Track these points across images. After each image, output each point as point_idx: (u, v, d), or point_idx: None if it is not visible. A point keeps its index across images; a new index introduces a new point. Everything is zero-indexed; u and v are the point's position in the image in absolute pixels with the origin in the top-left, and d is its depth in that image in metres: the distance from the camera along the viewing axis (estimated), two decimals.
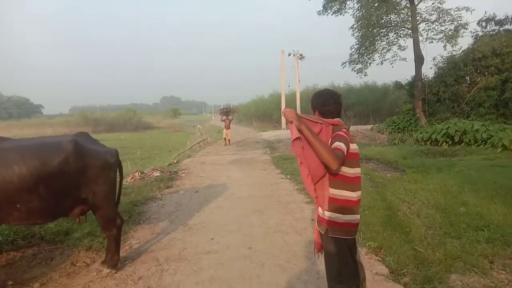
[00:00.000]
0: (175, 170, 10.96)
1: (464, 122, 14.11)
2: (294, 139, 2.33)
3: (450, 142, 13.66)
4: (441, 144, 13.85)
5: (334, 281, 2.44)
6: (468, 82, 19.26)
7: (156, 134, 41.27)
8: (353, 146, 2.38)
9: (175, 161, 13.31)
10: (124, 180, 9.03)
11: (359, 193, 2.44)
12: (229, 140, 19.04)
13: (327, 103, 2.50)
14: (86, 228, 5.11)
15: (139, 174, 9.45)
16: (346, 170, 2.36)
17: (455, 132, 13.53)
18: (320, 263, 3.89)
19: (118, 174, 4.26)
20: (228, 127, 19.08)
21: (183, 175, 10.22)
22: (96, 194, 3.73)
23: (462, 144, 13.20)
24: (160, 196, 7.52)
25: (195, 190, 8.06)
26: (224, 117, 19.58)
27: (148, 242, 4.86)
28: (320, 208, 2.49)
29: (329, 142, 2.33)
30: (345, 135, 2.33)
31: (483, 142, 12.60)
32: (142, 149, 19.73)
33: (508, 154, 10.70)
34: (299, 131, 2.24)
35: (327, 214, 2.41)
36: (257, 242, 4.67)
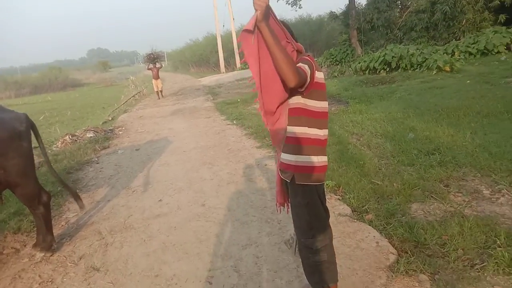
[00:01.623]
0: (111, 128, 10.11)
1: (399, 48, 14.25)
2: (244, 30, 1.80)
3: (388, 69, 13.82)
4: (379, 72, 13.98)
5: (305, 236, 2.11)
6: (400, 6, 19.39)
7: (86, 91, 38.46)
8: (319, 75, 1.94)
9: (110, 119, 12.34)
10: (54, 145, 8.26)
11: (326, 131, 2.05)
12: (161, 92, 17.09)
13: (292, 32, 2.03)
14: (11, 207, 4.46)
15: (70, 137, 8.54)
16: (312, 104, 1.95)
17: (392, 58, 13.65)
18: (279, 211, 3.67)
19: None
20: (157, 77, 16.75)
21: (120, 132, 9.44)
22: (8, 170, 3.09)
23: (399, 70, 13.40)
24: (96, 159, 6.84)
25: (135, 148, 7.44)
26: (151, 65, 17.10)
27: (88, 213, 4.34)
28: (282, 152, 2.09)
29: None
30: (311, 60, 1.90)
31: (419, 66, 12.84)
32: (72, 109, 18.15)
33: (443, 75, 10.99)
34: (258, 28, 1.72)
35: (292, 158, 2.02)
36: (210, 198, 4.32)
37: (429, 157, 4.63)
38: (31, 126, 3.45)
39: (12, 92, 45.03)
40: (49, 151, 7.79)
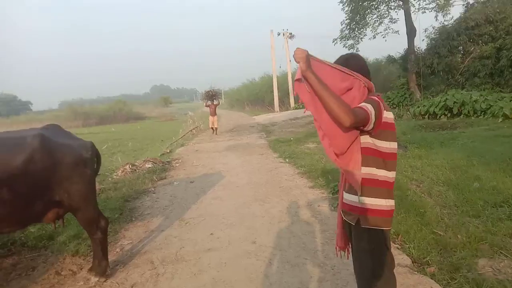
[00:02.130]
0: (168, 160, 10.50)
1: (461, 93, 13.76)
2: (296, 79, 1.91)
3: (449, 115, 13.34)
4: (440, 117, 13.51)
5: (368, 285, 1.98)
6: (462, 52, 18.80)
7: (147, 124, 40.55)
8: (389, 115, 1.91)
9: (168, 151, 12.84)
10: (115, 174, 8.70)
11: (394, 173, 1.97)
12: (216, 129, 17.23)
13: (364, 68, 2.01)
14: (71, 229, 4.68)
15: (130, 166, 8.96)
16: (380, 144, 1.90)
17: (454, 103, 13.19)
18: (334, 255, 3.54)
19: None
20: (214, 114, 17.07)
21: (176, 165, 9.77)
22: (72, 194, 3.26)
23: (461, 116, 12.89)
24: (153, 189, 7.08)
25: (190, 180, 7.63)
26: (209, 102, 17.55)
27: (141, 242, 4.45)
28: (346, 192, 2.03)
29: None
30: (379, 100, 1.87)
31: (483, 113, 12.29)
32: (133, 140, 19.17)
33: (510, 123, 10.39)
34: (304, 77, 1.80)
35: (357, 199, 1.95)
36: (262, 235, 4.27)
37: (497, 209, 4.30)
38: (96, 154, 3.66)
39: (80, 122, 48.57)
40: (109, 179, 8.22)
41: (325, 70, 1.90)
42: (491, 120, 11.37)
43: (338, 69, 1.94)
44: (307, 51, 1.80)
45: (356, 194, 1.95)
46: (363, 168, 1.92)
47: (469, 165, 6.27)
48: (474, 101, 12.75)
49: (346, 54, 2.14)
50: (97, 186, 7.09)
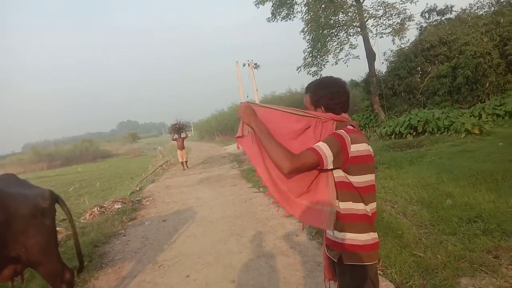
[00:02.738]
0: (138, 198, 10.14)
1: (424, 112, 14.24)
2: (236, 137, 2.09)
3: (414, 133, 13.71)
4: (406, 136, 13.86)
5: None
6: (420, 72, 19.63)
7: (115, 162, 39.63)
8: (360, 147, 1.79)
9: (138, 189, 12.45)
10: (82, 217, 8.29)
11: (373, 205, 1.86)
12: (186, 162, 16.67)
13: (335, 96, 1.91)
14: (36, 284, 4.33)
15: (98, 208, 8.58)
16: (352, 179, 1.80)
17: (418, 122, 13.59)
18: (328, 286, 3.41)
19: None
20: (182, 147, 16.37)
21: (147, 203, 9.44)
22: (30, 249, 3.00)
23: (426, 133, 13.25)
24: (123, 231, 6.75)
25: (162, 219, 7.35)
26: (176, 136, 16.77)
27: None
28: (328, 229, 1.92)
29: None
30: (342, 136, 1.77)
31: (446, 129, 12.69)
32: (101, 180, 18.56)
33: (473, 138, 10.76)
34: (252, 128, 1.92)
35: (338, 235, 1.86)
36: (241, 273, 4.09)
37: (472, 225, 4.33)
38: (57, 201, 3.42)
39: (45, 164, 46.97)
40: (77, 223, 7.80)
41: (276, 116, 1.94)
42: (454, 136, 11.74)
43: (290, 112, 1.93)
44: (248, 103, 1.95)
45: (337, 230, 1.87)
46: (340, 203, 1.84)
47: (440, 182, 6.37)
48: (437, 118, 13.18)
49: (314, 81, 2.07)
50: (64, 232, 6.72)
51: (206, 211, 7.41)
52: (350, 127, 1.87)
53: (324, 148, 1.73)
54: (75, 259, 5.00)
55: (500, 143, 8.87)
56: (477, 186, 5.69)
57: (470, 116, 12.66)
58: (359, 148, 1.79)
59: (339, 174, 1.83)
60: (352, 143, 1.77)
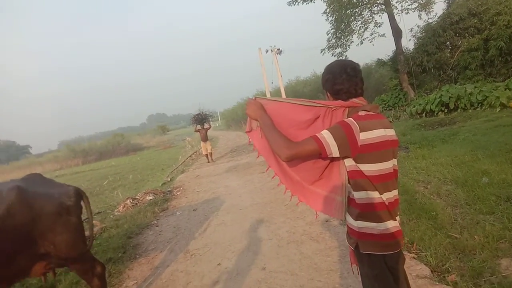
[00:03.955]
0: (169, 189, 10.33)
1: (456, 88, 13.69)
2: (246, 131, 2.17)
3: (446, 110, 13.23)
4: (437, 114, 13.40)
5: None
6: (450, 47, 18.81)
7: (146, 154, 40.43)
8: (371, 135, 1.68)
9: (169, 179, 12.67)
10: (116, 210, 8.52)
11: (389, 194, 1.75)
12: (210, 155, 15.69)
13: (338, 80, 1.82)
14: (73, 276, 4.48)
15: (131, 201, 8.79)
16: (363, 168, 1.71)
17: (449, 99, 13.09)
18: (348, 274, 3.36)
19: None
20: (205, 139, 15.40)
21: (178, 193, 9.59)
22: (58, 245, 3.06)
23: (458, 110, 12.77)
24: (156, 222, 6.89)
25: (193, 208, 7.45)
26: (199, 127, 15.95)
27: (147, 280, 4.25)
28: (347, 214, 1.88)
29: None
30: (349, 124, 1.68)
31: (479, 104, 12.18)
32: (134, 172, 19.01)
33: (508, 112, 10.27)
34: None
35: (354, 223, 1.80)
36: (271, 260, 4.09)
37: (511, 203, 4.13)
38: (82, 198, 3.48)
39: (80, 159, 48.51)
40: (111, 216, 8.05)
41: (286, 108, 1.96)
42: (489, 111, 11.25)
43: (298, 104, 1.92)
44: (256, 99, 2.01)
45: (353, 218, 1.82)
46: (354, 192, 1.78)
47: (475, 160, 6.13)
48: (469, 94, 12.65)
49: (325, 67, 1.97)
50: (99, 225, 6.94)
51: (235, 199, 7.45)
52: (363, 112, 1.75)
53: (326, 136, 1.68)
54: (110, 251, 5.19)
55: None
56: None
57: (505, 89, 12.03)
58: (370, 135, 1.69)
59: (350, 163, 1.76)
60: (361, 131, 1.67)
